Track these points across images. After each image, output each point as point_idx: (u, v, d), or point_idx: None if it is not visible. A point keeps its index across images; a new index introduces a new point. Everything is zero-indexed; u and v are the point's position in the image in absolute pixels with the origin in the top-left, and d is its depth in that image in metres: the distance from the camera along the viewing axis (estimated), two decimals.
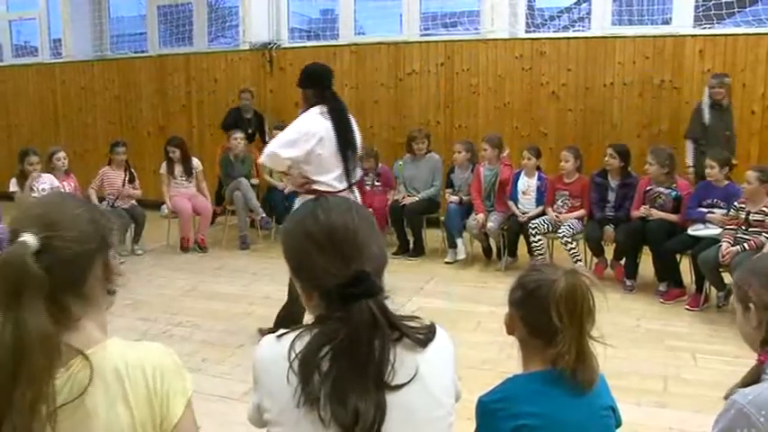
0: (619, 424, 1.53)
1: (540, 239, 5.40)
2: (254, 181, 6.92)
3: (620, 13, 7.14)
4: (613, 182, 5.30)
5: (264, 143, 6.64)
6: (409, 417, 1.15)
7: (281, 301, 3.87)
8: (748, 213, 4.41)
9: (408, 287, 5.00)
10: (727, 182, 4.79)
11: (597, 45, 6.79)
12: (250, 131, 7.36)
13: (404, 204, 6.20)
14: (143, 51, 9.27)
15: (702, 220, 4.73)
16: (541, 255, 5.41)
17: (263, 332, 3.67)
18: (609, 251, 5.37)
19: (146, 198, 6.85)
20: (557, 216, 5.43)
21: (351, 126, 3.85)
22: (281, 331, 1.22)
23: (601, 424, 1.47)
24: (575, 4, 7.90)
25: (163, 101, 8.79)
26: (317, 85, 3.76)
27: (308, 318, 1.26)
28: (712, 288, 4.63)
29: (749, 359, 1.56)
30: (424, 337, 1.20)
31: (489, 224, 5.75)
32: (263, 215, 6.73)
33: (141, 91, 8.90)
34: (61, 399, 1.03)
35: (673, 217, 4.93)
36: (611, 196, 5.30)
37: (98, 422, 1.05)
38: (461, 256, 5.92)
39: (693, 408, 3.09)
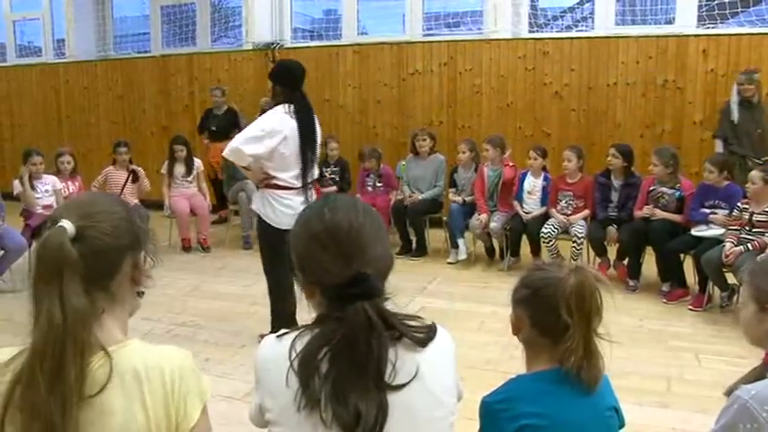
0: (622, 425, 1.53)
1: (551, 242, 5.37)
2: None
3: (623, 13, 7.13)
4: (616, 182, 5.29)
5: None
6: (409, 416, 1.14)
7: None
8: (752, 214, 4.40)
9: (411, 287, 5.01)
10: (726, 182, 4.78)
11: (600, 45, 6.78)
12: (213, 128, 7.47)
13: (406, 205, 6.20)
14: (146, 51, 9.28)
15: (705, 222, 4.72)
16: (555, 257, 5.34)
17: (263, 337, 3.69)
18: (612, 251, 5.37)
19: (149, 198, 6.86)
20: (566, 219, 5.41)
21: (315, 128, 3.90)
22: (282, 331, 1.22)
23: (604, 424, 1.47)
24: (578, 3, 7.89)
25: (166, 101, 8.80)
26: (289, 83, 3.80)
27: (307, 318, 1.26)
28: (715, 288, 4.61)
29: (752, 360, 1.56)
30: (424, 336, 1.20)
31: (492, 224, 5.74)
32: None
33: (144, 91, 8.92)
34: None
35: (676, 217, 4.92)
36: (615, 196, 5.29)
37: (114, 420, 1.06)
38: (463, 256, 5.92)
39: (696, 408, 3.08)
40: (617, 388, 1.54)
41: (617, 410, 1.51)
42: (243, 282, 5.42)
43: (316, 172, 4.00)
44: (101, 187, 6.41)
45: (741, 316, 1.54)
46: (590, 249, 5.42)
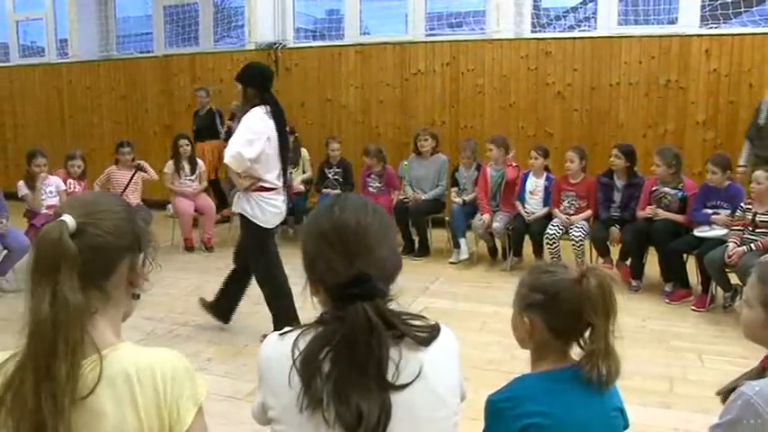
0: (626, 426, 1.52)
1: (555, 244, 5.37)
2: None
3: (626, 13, 7.13)
4: (619, 182, 5.28)
5: (223, 140, 6.83)
6: (412, 416, 1.14)
7: None
8: (755, 214, 4.39)
9: (413, 287, 5.00)
10: (728, 182, 4.77)
11: (603, 45, 6.77)
12: (195, 128, 7.55)
13: (408, 205, 6.20)
14: (149, 51, 9.30)
15: (708, 222, 4.71)
16: (555, 258, 5.35)
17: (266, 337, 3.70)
18: (615, 251, 5.36)
19: (152, 197, 6.87)
20: (567, 218, 5.41)
21: (287, 127, 4.00)
22: (285, 329, 1.22)
23: (609, 425, 1.46)
24: (580, 3, 7.88)
25: (168, 101, 8.82)
26: (259, 85, 3.84)
27: (309, 316, 1.26)
28: (718, 289, 4.61)
29: (755, 360, 1.55)
30: (427, 335, 1.19)
31: (495, 224, 5.74)
32: None
33: (147, 91, 8.94)
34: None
35: (679, 217, 4.91)
36: (617, 196, 5.28)
37: (107, 423, 1.06)
38: (464, 256, 5.92)
39: (699, 409, 3.07)
40: (619, 388, 1.54)
41: (622, 411, 1.51)
42: None
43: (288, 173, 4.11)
44: (103, 186, 6.42)
45: (743, 315, 1.52)
46: (593, 250, 5.41)
